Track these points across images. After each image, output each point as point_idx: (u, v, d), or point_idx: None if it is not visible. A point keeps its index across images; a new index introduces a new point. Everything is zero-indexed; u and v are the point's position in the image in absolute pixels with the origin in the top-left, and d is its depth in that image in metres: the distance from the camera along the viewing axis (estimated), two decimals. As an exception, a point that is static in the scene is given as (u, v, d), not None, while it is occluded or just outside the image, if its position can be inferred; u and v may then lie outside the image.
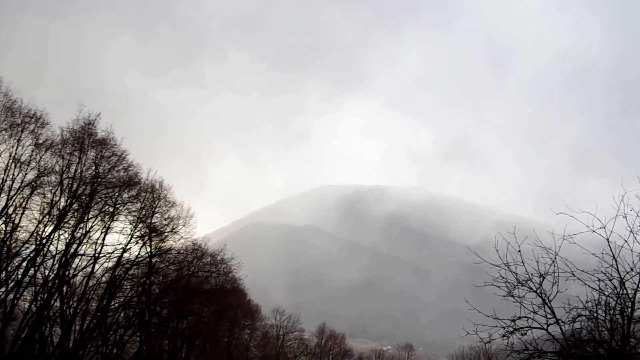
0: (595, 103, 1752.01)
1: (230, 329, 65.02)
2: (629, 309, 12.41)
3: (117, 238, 40.82)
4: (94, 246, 38.97)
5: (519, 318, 12.98)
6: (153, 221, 42.90)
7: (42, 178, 35.61)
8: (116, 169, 39.19)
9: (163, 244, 44.24)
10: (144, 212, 42.08)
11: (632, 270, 12.38)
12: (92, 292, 40.84)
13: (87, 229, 38.39)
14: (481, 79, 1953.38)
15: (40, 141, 35.30)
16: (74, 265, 38.74)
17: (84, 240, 38.18)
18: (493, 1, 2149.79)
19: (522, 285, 13.05)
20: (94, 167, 37.97)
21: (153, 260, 43.42)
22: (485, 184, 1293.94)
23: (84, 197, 37.37)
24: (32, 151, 34.89)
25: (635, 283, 12.38)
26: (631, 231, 12.43)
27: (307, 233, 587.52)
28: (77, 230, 37.48)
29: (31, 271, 35.84)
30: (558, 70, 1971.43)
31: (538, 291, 12.94)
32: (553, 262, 12.85)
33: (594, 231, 12.65)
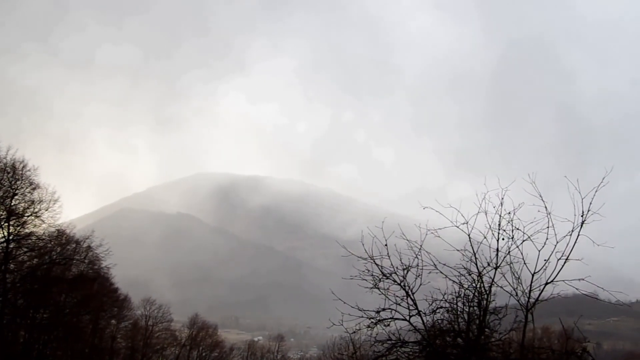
0: (473, 106, 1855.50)
1: (95, 319, 61.63)
2: (485, 301, 13.11)
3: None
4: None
5: (383, 309, 13.28)
6: (12, 203, 39.66)
7: None
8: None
9: (23, 229, 41.05)
10: (1, 194, 38.80)
11: (488, 265, 13.09)
12: None
13: None
14: (365, 74, 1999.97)
15: None
16: None
17: None
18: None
19: (387, 278, 13.39)
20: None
21: (10, 246, 40.16)
22: (365, 180, 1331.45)
23: None
24: None
25: (491, 277, 13.10)
26: (490, 227, 13.14)
27: (181, 222, 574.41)
28: None
29: None
30: (439, 72, 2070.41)
31: (402, 284, 13.33)
32: (416, 255, 13.32)
33: (457, 226, 13.28)
